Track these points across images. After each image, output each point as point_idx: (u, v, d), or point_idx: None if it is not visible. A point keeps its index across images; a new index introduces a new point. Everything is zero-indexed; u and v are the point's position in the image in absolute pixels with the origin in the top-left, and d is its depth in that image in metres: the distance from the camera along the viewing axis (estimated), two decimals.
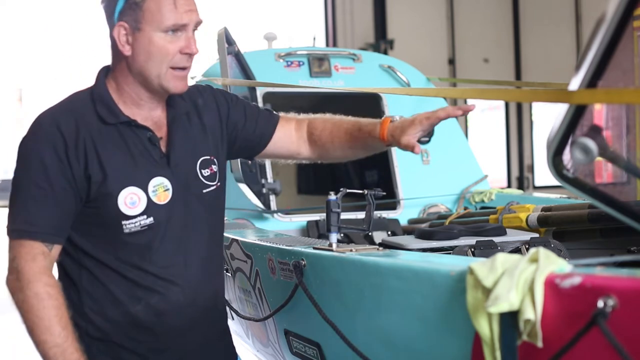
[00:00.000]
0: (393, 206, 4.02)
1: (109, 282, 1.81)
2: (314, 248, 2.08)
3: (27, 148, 1.77)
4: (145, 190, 1.80)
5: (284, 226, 3.71)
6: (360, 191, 2.07)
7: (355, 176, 5.25)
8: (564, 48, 11.10)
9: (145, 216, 1.79)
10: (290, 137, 2.14)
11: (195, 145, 1.92)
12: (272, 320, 2.42)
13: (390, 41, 10.49)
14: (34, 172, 1.74)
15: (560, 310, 1.24)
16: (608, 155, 1.36)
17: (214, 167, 1.95)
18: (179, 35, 1.78)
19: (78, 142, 1.75)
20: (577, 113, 1.33)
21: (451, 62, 11.24)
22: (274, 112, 2.18)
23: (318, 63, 4.21)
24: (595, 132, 1.31)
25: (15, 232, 1.73)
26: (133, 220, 1.78)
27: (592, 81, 1.30)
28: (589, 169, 1.42)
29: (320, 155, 2.18)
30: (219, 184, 1.96)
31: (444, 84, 9.91)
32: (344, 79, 4.21)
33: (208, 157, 1.94)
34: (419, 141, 1.97)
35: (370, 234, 3.38)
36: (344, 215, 2.18)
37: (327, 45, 10.72)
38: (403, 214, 3.98)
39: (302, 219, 3.79)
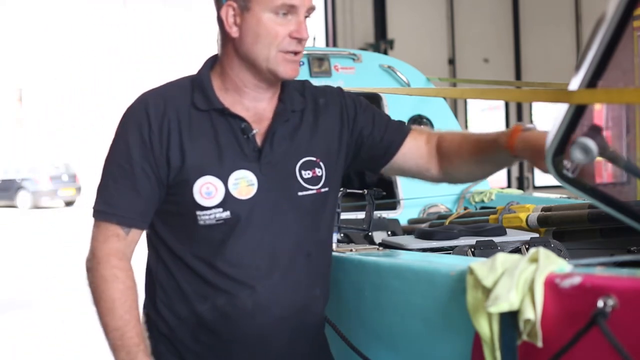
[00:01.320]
0: (393, 206, 4.01)
1: (180, 276, 1.72)
2: None
3: (118, 129, 1.73)
4: (225, 182, 1.68)
5: None
6: (360, 191, 2.07)
7: (355, 176, 5.25)
8: (564, 48, 11.11)
9: (221, 209, 1.67)
10: (420, 150, 1.90)
11: (300, 144, 1.78)
12: None
13: (390, 41, 10.51)
14: (118, 153, 1.70)
15: (560, 310, 1.24)
16: (608, 155, 1.36)
17: (319, 171, 1.78)
18: (289, 18, 1.68)
19: (163, 125, 1.68)
20: (577, 113, 1.33)
21: (451, 62, 11.25)
22: (404, 123, 1.97)
23: (318, 63, 4.21)
24: (595, 132, 1.32)
25: (95, 212, 1.71)
26: (208, 212, 1.67)
27: (592, 81, 1.30)
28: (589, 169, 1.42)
29: (447, 171, 1.90)
30: (323, 190, 1.78)
31: (444, 84, 9.91)
32: (344, 79, 4.21)
33: (313, 159, 1.78)
34: None
35: (370, 234, 3.38)
36: (344, 215, 2.18)
37: (327, 45, 10.72)
38: (403, 214, 3.97)
39: None
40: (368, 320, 1.85)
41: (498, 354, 1.32)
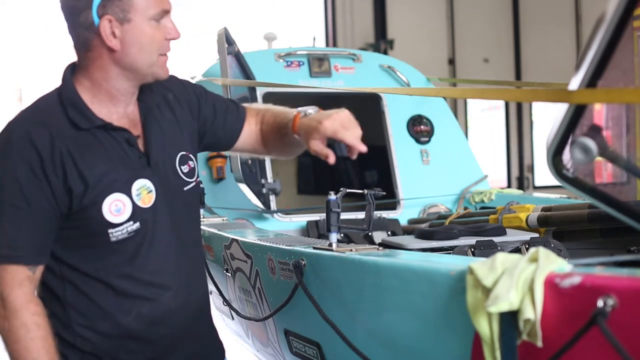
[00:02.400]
0: (393, 206, 4.02)
1: (95, 295, 1.73)
2: (314, 248, 2.08)
3: (0, 167, 1.66)
4: (129, 195, 1.72)
5: (284, 226, 3.72)
6: (360, 191, 2.07)
7: (355, 176, 5.25)
8: (564, 48, 11.10)
9: (131, 222, 1.72)
10: (254, 134, 2.06)
11: (171, 141, 1.85)
12: (272, 320, 2.42)
13: (390, 41, 10.49)
14: (9, 192, 1.64)
15: (560, 309, 1.24)
16: (608, 155, 1.37)
17: (191, 163, 1.88)
18: (163, 22, 1.73)
19: (54, 155, 1.65)
20: (577, 113, 1.33)
21: (451, 62, 11.24)
22: (240, 105, 2.08)
23: (318, 63, 4.21)
24: (595, 131, 1.32)
25: None
26: (120, 228, 1.71)
27: (592, 81, 1.30)
28: (589, 168, 1.43)
29: (270, 150, 2.08)
30: (197, 179, 1.90)
31: (444, 84, 9.91)
32: (343, 79, 4.21)
33: (185, 153, 1.87)
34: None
35: (370, 234, 3.38)
36: (344, 215, 2.17)
37: (327, 45, 10.71)
38: (403, 214, 3.98)
39: (302, 219, 3.80)
40: (368, 320, 1.85)
41: (498, 353, 1.32)
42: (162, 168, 1.80)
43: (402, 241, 2.57)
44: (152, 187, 1.75)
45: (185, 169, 1.85)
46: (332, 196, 2.03)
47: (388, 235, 3.51)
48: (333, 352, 2.09)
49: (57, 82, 1.79)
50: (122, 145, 1.74)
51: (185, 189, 1.85)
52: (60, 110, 1.71)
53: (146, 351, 1.78)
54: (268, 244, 2.36)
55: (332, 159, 1.76)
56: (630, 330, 1.14)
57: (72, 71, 1.77)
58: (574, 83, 1.32)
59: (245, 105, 2.09)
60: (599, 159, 1.33)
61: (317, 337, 2.16)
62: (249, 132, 2.04)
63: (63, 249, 1.72)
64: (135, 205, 1.72)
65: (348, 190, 2.08)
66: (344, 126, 1.78)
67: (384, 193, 2.14)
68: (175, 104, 1.90)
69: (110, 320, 1.74)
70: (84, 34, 1.69)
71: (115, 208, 1.70)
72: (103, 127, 1.73)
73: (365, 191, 2.09)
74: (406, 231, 3.62)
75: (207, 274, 2.11)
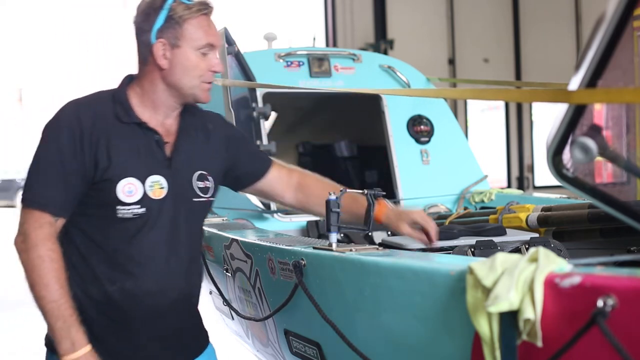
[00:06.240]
0: None
1: (93, 261, 2.01)
2: (314, 248, 2.08)
3: (49, 132, 1.99)
4: (143, 183, 2.00)
5: (284, 226, 3.72)
6: (360, 191, 2.07)
7: (355, 176, 5.25)
8: (564, 48, 11.11)
9: (139, 206, 1.99)
10: (280, 182, 2.41)
11: (196, 158, 2.14)
12: (272, 320, 2.42)
13: (390, 41, 10.50)
14: (51, 152, 1.96)
15: (559, 309, 1.24)
16: (608, 155, 1.37)
17: (208, 183, 2.16)
18: (209, 55, 2.05)
19: (92, 132, 1.97)
20: (577, 113, 1.33)
21: (451, 62, 11.25)
22: (267, 157, 2.44)
23: (318, 63, 4.21)
24: (594, 131, 1.32)
25: (28, 201, 1.95)
26: (127, 208, 1.99)
27: (591, 81, 1.30)
28: (589, 168, 1.43)
29: (302, 207, 2.48)
30: (210, 199, 2.17)
31: (444, 84, 9.91)
32: (343, 79, 4.21)
33: (205, 173, 2.15)
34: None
35: (370, 234, 3.38)
36: None
37: (327, 45, 10.73)
38: None
39: (302, 219, 3.79)
40: (368, 320, 1.85)
41: (498, 353, 1.32)
42: (180, 175, 2.08)
43: (402, 241, 2.57)
44: (165, 185, 2.03)
45: (200, 184, 2.13)
46: (332, 196, 2.03)
47: (388, 235, 3.51)
48: (333, 352, 2.09)
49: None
50: (151, 144, 2.04)
51: (194, 200, 2.11)
52: (111, 104, 2.04)
53: (119, 321, 2.03)
54: (268, 244, 2.36)
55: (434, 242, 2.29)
56: (630, 330, 1.14)
57: (129, 79, 2.11)
58: (574, 83, 1.32)
59: (275, 160, 2.45)
60: (599, 158, 1.33)
61: (317, 337, 2.16)
62: (275, 181, 2.41)
63: (78, 215, 2.00)
64: (145, 194, 2.00)
65: (348, 190, 2.08)
66: (427, 220, 2.27)
67: (384, 193, 2.14)
68: (212, 134, 2.21)
69: (100, 286, 2.01)
70: (143, 51, 2.04)
71: (128, 190, 1.98)
72: (139, 124, 2.04)
73: (365, 191, 2.09)
74: None
75: (203, 279, 2.31)
